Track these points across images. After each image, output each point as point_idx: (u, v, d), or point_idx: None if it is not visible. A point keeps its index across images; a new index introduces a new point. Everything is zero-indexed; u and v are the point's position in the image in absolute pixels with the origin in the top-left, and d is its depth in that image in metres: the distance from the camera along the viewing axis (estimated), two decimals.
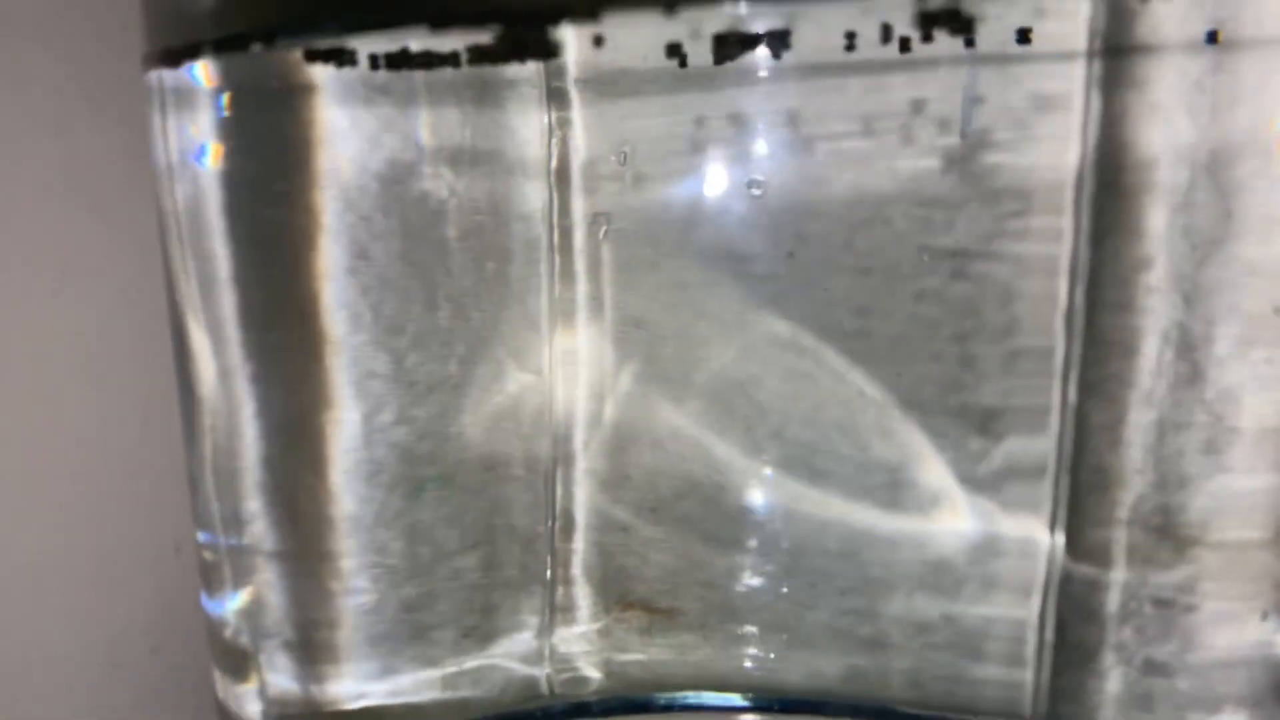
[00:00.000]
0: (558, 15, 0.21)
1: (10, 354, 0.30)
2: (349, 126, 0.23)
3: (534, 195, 0.24)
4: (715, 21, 0.21)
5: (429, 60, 0.22)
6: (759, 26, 0.21)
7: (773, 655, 0.25)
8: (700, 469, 0.24)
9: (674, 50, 0.21)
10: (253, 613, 0.27)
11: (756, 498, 0.24)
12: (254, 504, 0.26)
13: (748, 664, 0.25)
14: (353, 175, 0.23)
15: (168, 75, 0.26)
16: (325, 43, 0.22)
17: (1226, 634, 0.23)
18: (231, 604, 0.27)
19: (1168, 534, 0.22)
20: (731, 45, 0.21)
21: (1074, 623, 0.23)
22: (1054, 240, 0.21)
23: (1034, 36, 0.20)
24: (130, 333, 0.32)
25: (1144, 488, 0.22)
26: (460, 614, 0.26)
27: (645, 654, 0.26)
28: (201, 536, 0.28)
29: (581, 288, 0.24)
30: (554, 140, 0.24)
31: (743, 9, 0.20)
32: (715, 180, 0.23)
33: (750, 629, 0.25)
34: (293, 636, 0.26)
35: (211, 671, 0.29)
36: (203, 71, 0.25)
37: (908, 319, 0.22)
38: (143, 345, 0.32)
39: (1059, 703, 0.23)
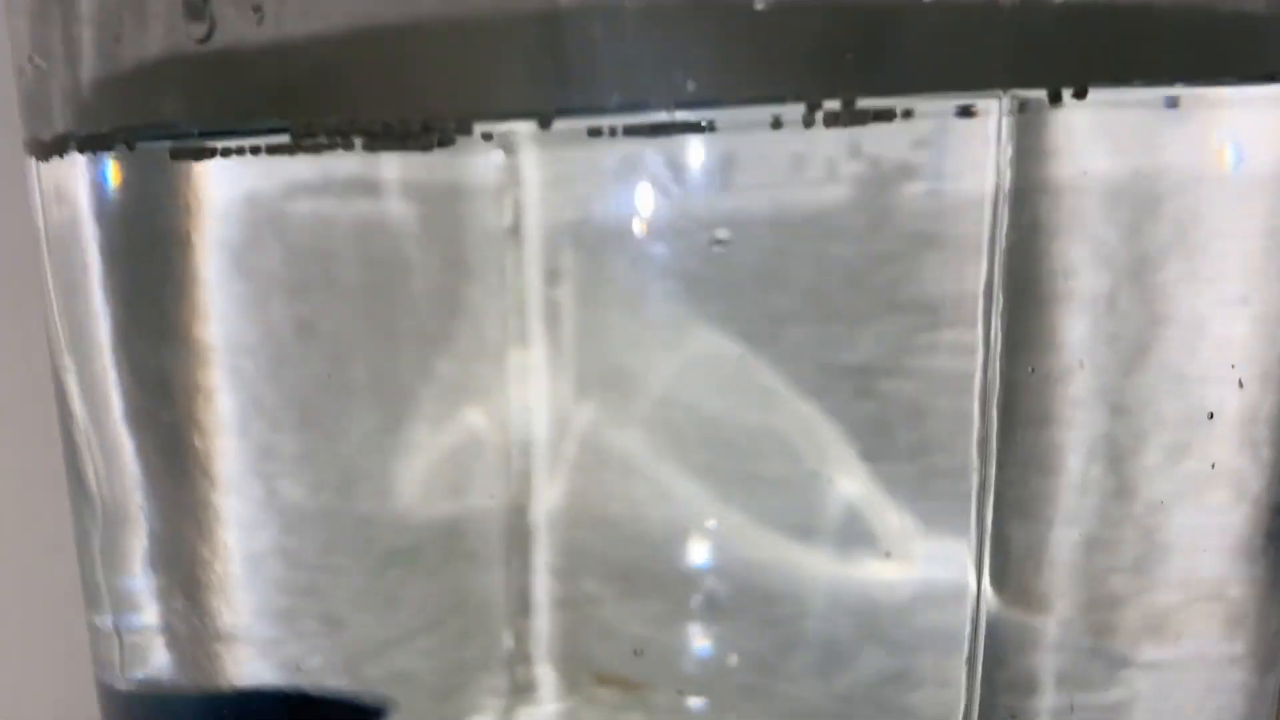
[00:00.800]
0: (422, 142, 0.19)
1: (10, 354, 0.29)
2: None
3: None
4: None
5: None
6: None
7: None
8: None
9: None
10: None
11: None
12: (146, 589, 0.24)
13: None
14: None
15: (41, 165, 0.25)
16: (189, 144, 0.21)
17: None
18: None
19: (1098, 655, 0.21)
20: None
21: None
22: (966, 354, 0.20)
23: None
24: None
25: (1070, 611, 0.21)
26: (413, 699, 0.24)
27: None
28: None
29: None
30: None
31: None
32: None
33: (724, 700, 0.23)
34: None
35: None
36: (72, 165, 0.23)
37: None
38: None
39: None
